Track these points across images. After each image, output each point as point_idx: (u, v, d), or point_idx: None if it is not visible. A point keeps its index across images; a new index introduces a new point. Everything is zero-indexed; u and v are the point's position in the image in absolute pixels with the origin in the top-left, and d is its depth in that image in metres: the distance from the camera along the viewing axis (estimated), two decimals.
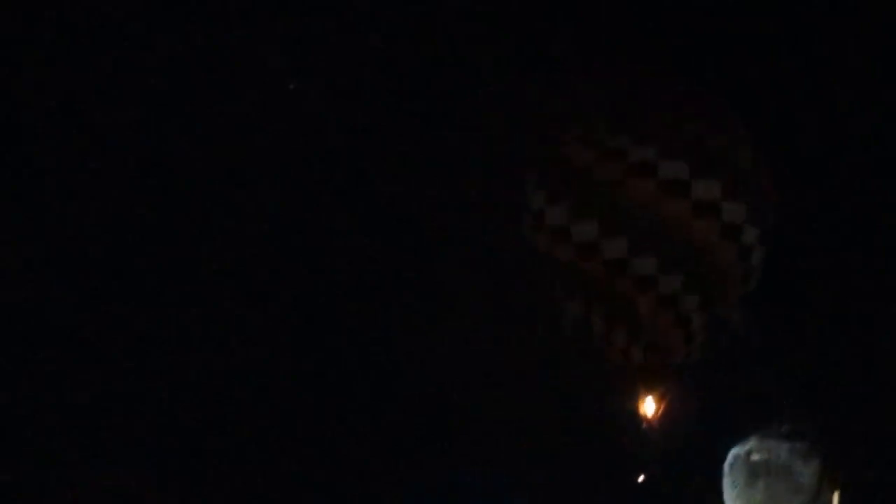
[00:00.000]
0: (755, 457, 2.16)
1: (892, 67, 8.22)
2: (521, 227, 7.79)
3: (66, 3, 7.96)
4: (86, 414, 8.88)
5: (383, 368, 9.12)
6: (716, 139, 7.64)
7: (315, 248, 8.71)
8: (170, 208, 8.62)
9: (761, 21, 8.17)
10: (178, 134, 8.37)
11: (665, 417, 8.10)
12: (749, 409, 7.32)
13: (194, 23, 8.07)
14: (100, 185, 8.50)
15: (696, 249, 7.40)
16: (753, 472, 2.15)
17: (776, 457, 2.16)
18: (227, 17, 8.09)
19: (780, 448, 2.17)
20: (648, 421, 8.12)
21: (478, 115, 8.14)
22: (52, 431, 8.86)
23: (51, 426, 8.86)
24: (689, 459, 8.08)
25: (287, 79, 8.24)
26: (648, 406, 8.15)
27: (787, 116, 8.49)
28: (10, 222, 8.42)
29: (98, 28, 7.98)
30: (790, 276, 8.84)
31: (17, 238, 8.42)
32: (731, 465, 2.18)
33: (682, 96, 7.86)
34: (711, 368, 7.95)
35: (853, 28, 8.21)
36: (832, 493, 2.15)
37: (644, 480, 8.59)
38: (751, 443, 2.19)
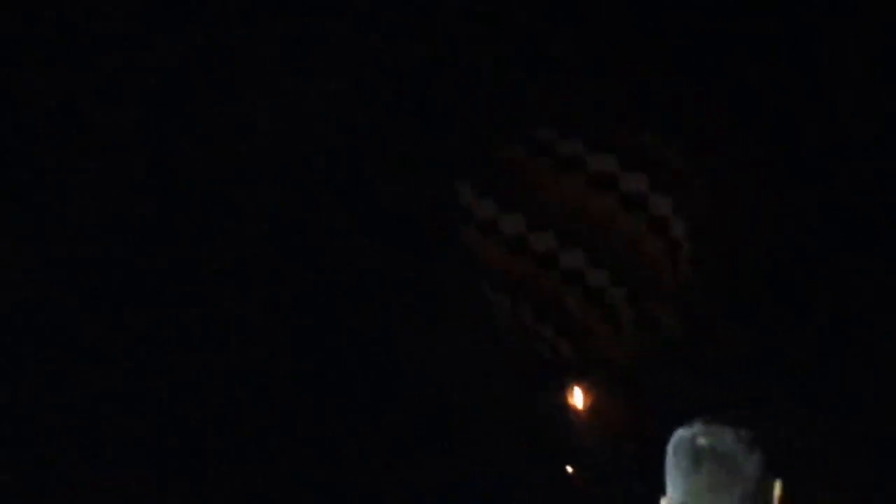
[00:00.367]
0: (700, 441, 2.16)
1: (892, 68, 8.22)
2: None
3: (66, 3, 7.96)
4: (86, 414, 8.88)
5: (383, 368, 9.12)
6: (645, 133, 7.64)
7: (315, 248, 8.71)
8: (170, 208, 8.63)
9: (761, 21, 8.17)
10: (178, 134, 8.37)
11: (595, 410, 8.13)
12: (683, 402, 7.34)
13: (194, 23, 8.08)
14: (100, 185, 8.50)
15: (623, 243, 7.39)
16: (698, 457, 2.15)
17: (721, 443, 2.16)
18: (227, 17, 8.10)
19: (724, 434, 2.17)
20: (578, 414, 8.14)
21: (478, 115, 8.15)
22: (52, 431, 8.87)
23: (51, 426, 8.87)
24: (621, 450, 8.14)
25: (287, 79, 8.24)
26: (578, 399, 8.17)
27: (787, 116, 8.50)
28: (10, 222, 8.42)
29: (98, 28, 7.98)
30: (790, 275, 8.85)
31: (17, 238, 8.42)
32: (676, 448, 2.17)
33: (612, 92, 7.89)
34: (644, 363, 7.97)
35: (853, 28, 8.21)
36: (774, 482, 2.15)
37: (573, 472, 8.62)
38: (696, 427, 2.18)
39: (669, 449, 2.16)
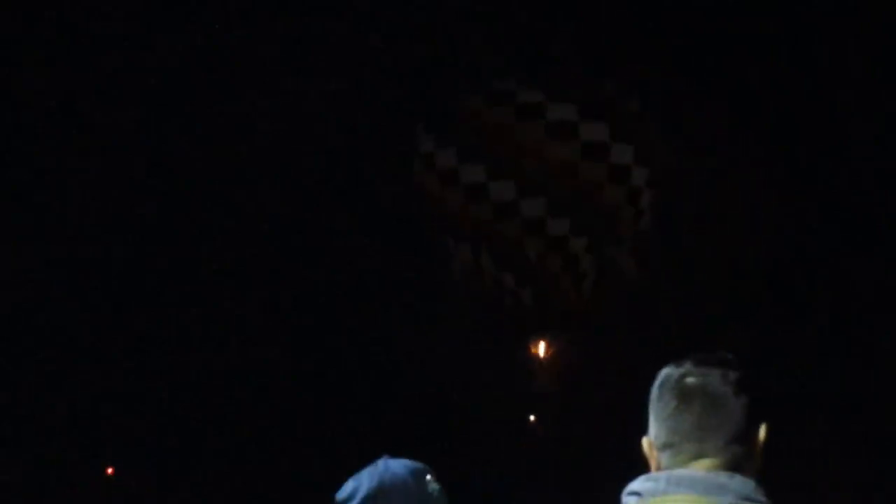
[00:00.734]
0: (690, 380, 2.13)
1: (892, 68, 8.22)
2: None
3: (66, 3, 7.96)
4: (86, 414, 8.89)
5: (383, 368, 9.13)
6: (604, 83, 7.63)
7: (315, 248, 8.72)
8: (170, 208, 8.63)
9: (761, 21, 8.17)
10: (178, 134, 8.37)
11: (557, 359, 8.13)
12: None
13: (194, 23, 8.08)
14: (100, 185, 8.51)
15: (584, 192, 7.38)
16: (686, 396, 2.12)
17: (710, 383, 2.14)
18: (227, 17, 8.10)
19: (713, 375, 2.15)
20: (540, 362, 8.14)
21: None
22: (52, 431, 8.87)
23: (51, 426, 8.87)
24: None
25: (287, 79, 8.24)
26: (540, 348, 8.17)
27: (787, 116, 8.50)
28: (10, 222, 8.42)
29: (98, 28, 7.98)
30: (791, 276, 8.86)
31: (17, 238, 8.42)
32: (662, 386, 2.14)
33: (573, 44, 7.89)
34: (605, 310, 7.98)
35: (853, 28, 8.21)
36: (759, 426, 2.14)
37: (535, 422, 8.62)
38: (686, 366, 2.16)
39: (655, 388, 2.14)
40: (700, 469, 2.06)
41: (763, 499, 2.02)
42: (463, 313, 8.30)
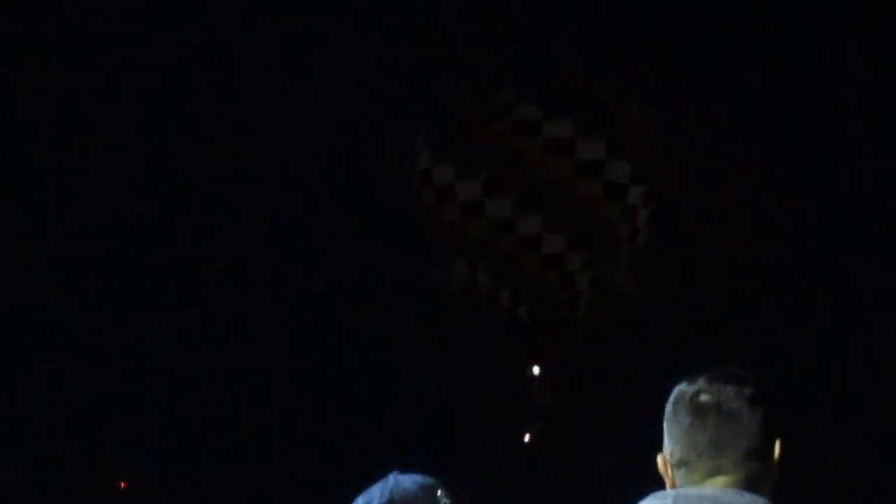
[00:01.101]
0: (704, 397, 2.13)
1: (892, 68, 8.22)
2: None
3: (66, 3, 7.96)
4: (86, 414, 8.88)
5: (383, 368, 9.12)
6: (604, 84, 7.63)
7: (315, 248, 8.71)
8: (170, 208, 8.63)
9: (761, 21, 8.17)
10: (178, 134, 8.37)
11: (551, 376, 8.12)
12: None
13: (194, 23, 8.08)
14: (100, 185, 8.50)
15: (580, 209, 7.39)
16: (701, 412, 2.12)
17: (725, 399, 2.13)
18: (227, 17, 8.09)
19: (728, 391, 2.14)
20: (536, 380, 8.13)
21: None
22: (52, 431, 8.87)
23: (51, 426, 8.87)
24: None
25: (287, 79, 8.24)
26: (535, 365, 8.17)
27: (787, 116, 8.50)
28: (10, 222, 8.42)
29: (98, 28, 7.98)
30: (791, 276, 8.85)
31: (17, 238, 8.42)
32: (676, 403, 2.14)
33: (571, 55, 7.88)
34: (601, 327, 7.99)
35: (853, 28, 8.21)
36: (775, 441, 2.14)
37: (531, 439, 8.61)
38: (699, 383, 2.15)
39: (669, 405, 2.14)
40: (713, 487, 2.06)
41: None
42: (463, 314, 8.29)
